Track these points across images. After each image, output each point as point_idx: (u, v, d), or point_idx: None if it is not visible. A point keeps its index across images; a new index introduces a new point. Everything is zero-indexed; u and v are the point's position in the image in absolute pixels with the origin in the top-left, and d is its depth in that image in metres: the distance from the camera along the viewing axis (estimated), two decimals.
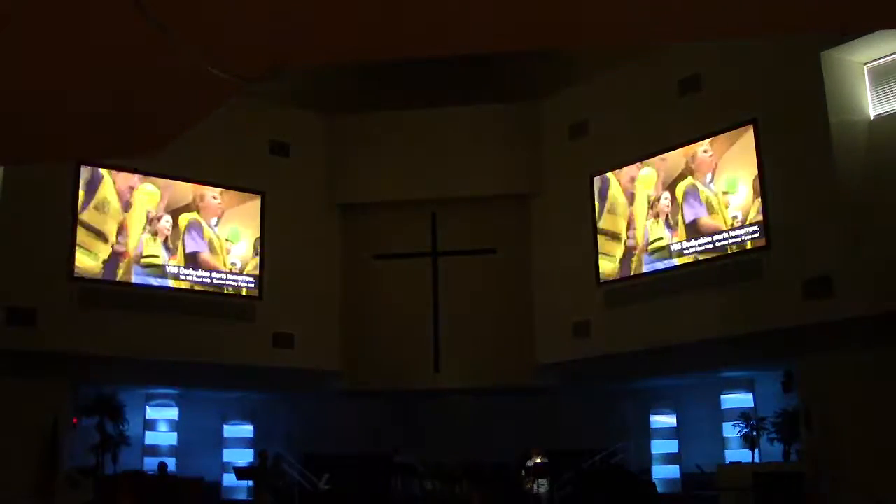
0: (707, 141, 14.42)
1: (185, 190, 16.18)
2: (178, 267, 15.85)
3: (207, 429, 17.60)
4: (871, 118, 12.79)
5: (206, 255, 16.21)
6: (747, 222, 13.70)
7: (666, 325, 14.40)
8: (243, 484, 15.66)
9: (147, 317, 15.09)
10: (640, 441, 17.64)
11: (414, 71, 16.70)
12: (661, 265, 14.98)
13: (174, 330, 15.26)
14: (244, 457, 17.17)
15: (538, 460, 14.76)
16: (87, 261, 14.88)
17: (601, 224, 16.05)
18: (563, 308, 16.30)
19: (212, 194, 16.42)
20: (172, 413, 17.40)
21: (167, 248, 15.75)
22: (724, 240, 13.98)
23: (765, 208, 13.40)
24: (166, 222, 15.81)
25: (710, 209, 14.29)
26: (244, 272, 16.58)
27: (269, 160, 17.13)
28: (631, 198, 15.62)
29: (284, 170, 17.22)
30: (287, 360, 16.54)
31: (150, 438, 17.08)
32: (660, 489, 15.61)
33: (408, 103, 17.72)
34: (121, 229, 15.32)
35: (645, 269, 15.22)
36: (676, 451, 17.27)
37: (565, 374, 16.75)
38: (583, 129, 16.50)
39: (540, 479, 14.71)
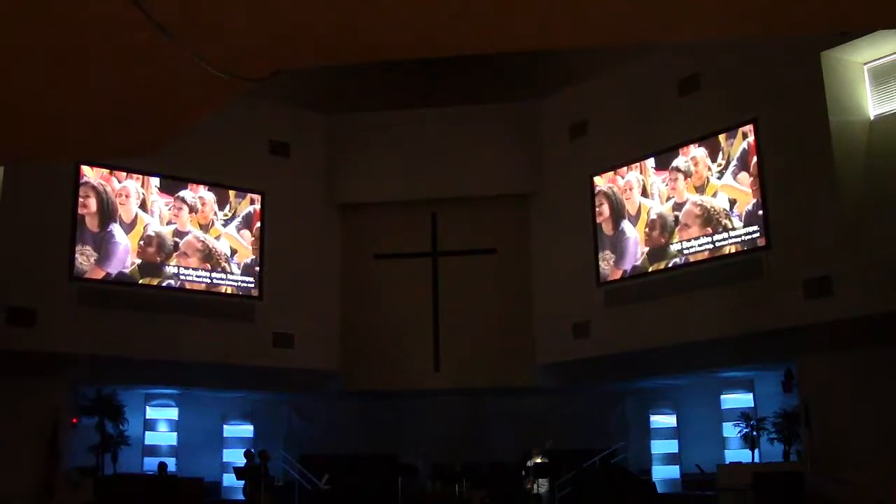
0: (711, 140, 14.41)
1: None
2: (178, 267, 15.85)
3: (207, 429, 17.60)
4: (871, 118, 12.79)
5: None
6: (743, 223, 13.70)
7: (666, 325, 14.40)
8: (243, 484, 15.66)
9: (147, 317, 15.08)
10: (640, 441, 17.65)
11: (414, 71, 16.69)
12: (661, 265, 14.97)
13: (174, 330, 15.25)
14: (243, 457, 17.16)
15: (538, 460, 14.76)
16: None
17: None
18: (562, 308, 16.30)
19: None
20: (172, 413, 17.40)
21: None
22: (724, 240, 13.98)
23: (765, 208, 13.39)
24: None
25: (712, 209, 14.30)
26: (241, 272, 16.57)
27: (269, 160, 17.12)
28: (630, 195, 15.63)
29: (284, 170, 17.22)
30: (287, 360, 16.54)
31: (150, 438, 17.08)
32: (660, 489, 15.60)
33: (408, 103, 17.72)
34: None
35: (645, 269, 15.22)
36: (676, 451, 17.27)
37: (565, 374, 16.75)
38: (583, 129, 16.50)
39: (540, 479, 14.71)
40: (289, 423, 18.46)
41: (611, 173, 15.94)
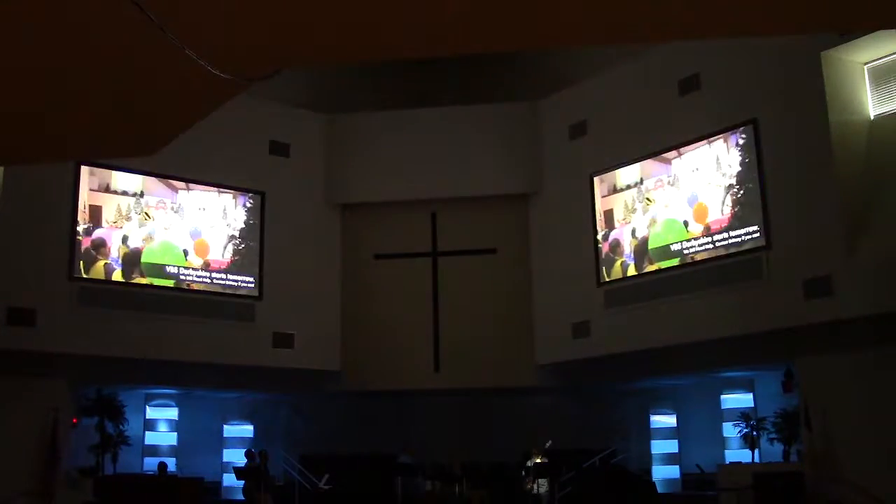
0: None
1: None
2: (179, 267, 15.84)
3: (207, 429, 17.62)
4: (871, 118, 12.78)
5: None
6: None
7: (666, 325, 14.39)
8: (243, 484, 15.68)
9: (147, 317, 15.08)
10: (640, 441, 17.65)
11: (414, 71, 16.71)
12: (661, 265, 14.96)
13: (174, 330, 15.26)
14: (244, 457, 17.18)
15: (538, 460, 14.76)
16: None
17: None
18: (563, 308, 16.30)
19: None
20: (172, 413, 17.42)
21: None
22: (724, 240, 13.97)
23: (765, 208, 13.39)
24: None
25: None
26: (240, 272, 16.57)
27: (269, 160, 17.12)
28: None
29: (284, 170, 17.21)
30: (287, 360, 16.54)
31: (150, 438, 17.10)
32: (660, 489, 15.60)
33: (408, 103, 17.73)
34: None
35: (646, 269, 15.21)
36: (676, 451, 17.28)
37: (565, 374, 16.75)
38: (583, 129, 16.49)
39: (540, 479, 14.71)
40: (289, 423, 18.46)
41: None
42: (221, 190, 16.49)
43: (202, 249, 16.18)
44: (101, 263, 14.99)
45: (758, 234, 13.47)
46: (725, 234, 13.95)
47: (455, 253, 17.49)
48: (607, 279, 15.66)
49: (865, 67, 12.87)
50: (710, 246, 14.17)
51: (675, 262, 14.67)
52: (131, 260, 15.31)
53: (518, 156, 17.40)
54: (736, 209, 13.72)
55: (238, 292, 16.43)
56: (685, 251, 14.55)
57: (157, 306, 15.33)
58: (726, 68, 14.01)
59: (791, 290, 12.69)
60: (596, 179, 16.07)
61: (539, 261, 17.15)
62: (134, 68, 4.22)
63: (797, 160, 12.97)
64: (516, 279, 17.29)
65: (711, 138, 14.21)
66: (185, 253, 15.95)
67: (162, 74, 4.27)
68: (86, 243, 14.91)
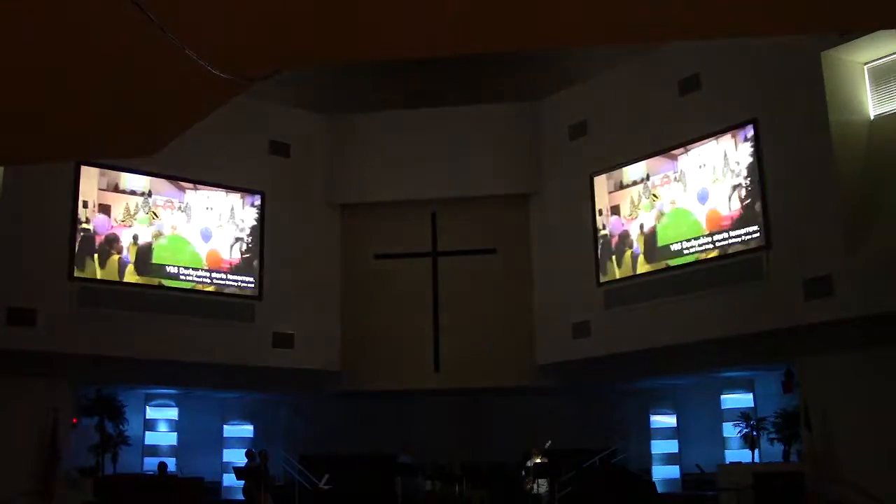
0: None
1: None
2: (178, 267, 15.84)
3: (207, 429, 17.61)
4: (871, 118, 12.78)
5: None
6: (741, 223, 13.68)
7: (666, 325, 14.39)
8: (243, 484, 15.68)
9: (147, 317, 15.08)
10: (640, 441, 17.66)
11: (414, 71, 16.71)
12: (662, 264, 14.96)
13: (174, 330, 15.26)
14: (244, 457, 17.18)
15: (538, 460, 14.76)
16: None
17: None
18: (563, 308, 16.30)
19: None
20: (172, 413, 17.42)
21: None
22: (724, 240, 13.97)
23: (765, 208, 13.39)
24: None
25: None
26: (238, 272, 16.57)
27: (269, 160, 17.13)
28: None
29: (284, 170, 17.22)
30: (287, 360, 16.55)
31: (150, 438, 17.11)
32: (660, 489, 15.60)
33: (408, 103, 17.74)
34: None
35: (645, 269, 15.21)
36: (676, 451, 17.28)
37: (565, 374, 16.75)
38: (583, 129, 16.49)
39: (540, 479, 14.71)
40: (289, 423, 18.47)
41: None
42: (228, 190, 16.51)
43: (214, 259, 16.21)
44: (115, 258, 15.07)
45: (758, 234, 13.47)
46: (725, 234, 13.95)
47: (455, 253, 17.49)
48: (617, 269, 15.61)
49: (865, 67, 12.87)
50: (710, 246, 14.17)
51: (675, 261, 14.67)
52: (141, 258, 15.36)
53: (518, 156, 17.41)
54: (746, 202, 13.71)
55: (238, 292, 16.43)
56: (685, 251, 14.55)
57: (157, 306, 15.32)
58: (726, 68, 14.01)
59: (791, 290, 12.69)
60: (603, 176, 16.05)
61: (539, 261, 17.15)
62: (134, 68, 4.22)
63: (797, 160, 12.96)
64: (516, 279, 17.30)
65: (719, 135, 14.18)
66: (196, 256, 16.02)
67: (162, 74, 4.27)
68: (99, 239, 14.96)
